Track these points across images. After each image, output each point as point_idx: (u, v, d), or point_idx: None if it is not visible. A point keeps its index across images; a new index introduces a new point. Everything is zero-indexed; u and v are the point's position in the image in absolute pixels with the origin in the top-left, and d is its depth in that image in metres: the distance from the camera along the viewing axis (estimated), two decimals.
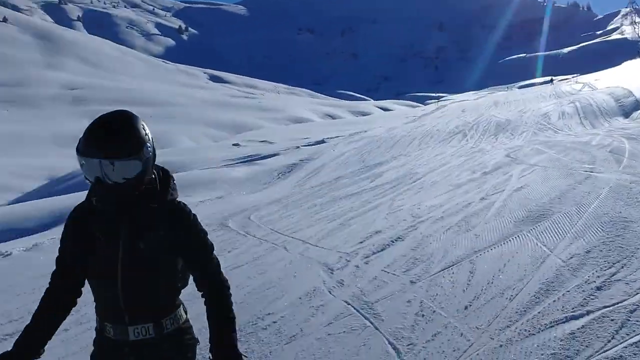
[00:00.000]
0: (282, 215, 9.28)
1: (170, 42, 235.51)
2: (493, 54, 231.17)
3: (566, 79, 63.70)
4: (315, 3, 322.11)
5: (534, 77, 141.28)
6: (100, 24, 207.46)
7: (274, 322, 4.45)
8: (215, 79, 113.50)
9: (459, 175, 10.51)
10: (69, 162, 22.92)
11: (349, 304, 4.59)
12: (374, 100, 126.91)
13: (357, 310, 4.44)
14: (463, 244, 5.74)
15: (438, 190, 9.23)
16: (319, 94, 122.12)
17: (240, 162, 20.69)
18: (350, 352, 3.80)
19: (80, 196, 2.16)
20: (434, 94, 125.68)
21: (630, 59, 66.78)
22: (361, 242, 6.40)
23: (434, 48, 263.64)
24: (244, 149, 25.67)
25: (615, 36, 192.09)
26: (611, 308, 3.91)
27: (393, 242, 6.21)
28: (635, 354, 3.31)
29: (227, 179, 17.62)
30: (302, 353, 3.86)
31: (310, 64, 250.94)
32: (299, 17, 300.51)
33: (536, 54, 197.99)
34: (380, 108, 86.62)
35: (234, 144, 29.04)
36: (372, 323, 4.19)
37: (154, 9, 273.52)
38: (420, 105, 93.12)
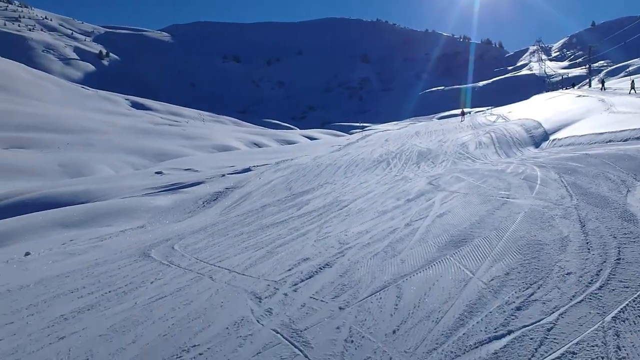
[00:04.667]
0: (207, 244, 9.09)
1: (90, 67, 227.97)
2: (414, 85, 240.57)
3: (481, 110, 67.10)
4: (241, 33, 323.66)
5: (452, 108, 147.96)
6: (14, 47, 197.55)
7: (200, 354, 4.30)
8: (137, 105, 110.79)
9: (384, 202, 10.71)
10: None
11: (277, 333, 4.52)
12: (300, 129, 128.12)
13: (286, 339, 4.37)
14: (389, 270, 5.81)
15: (364, 217, 9.34)
16: (245, 122, 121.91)
17: (164, 191, 20.16)
18: None
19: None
20: (358, 124, 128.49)
21: (538, 93, 71.41)
22: (289, 270, 6.34)
23: (358, 79, 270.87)
24: (168, 177, 25.06)
25: (524, 72, 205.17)
26: (530, 327, 4.07)
27: (321, 269, 6.20)
28: None
29: (149, 207, 17.07)
30: None
31: (236, 92, 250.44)
32: (225, 45, 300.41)
33: (453, 87, 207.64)
34: (306, 137, 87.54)
35: (156, 172, 28.30)
36: (301, 351, 4.13)
37: (72, 33, 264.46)
38: (345, 134, 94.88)
